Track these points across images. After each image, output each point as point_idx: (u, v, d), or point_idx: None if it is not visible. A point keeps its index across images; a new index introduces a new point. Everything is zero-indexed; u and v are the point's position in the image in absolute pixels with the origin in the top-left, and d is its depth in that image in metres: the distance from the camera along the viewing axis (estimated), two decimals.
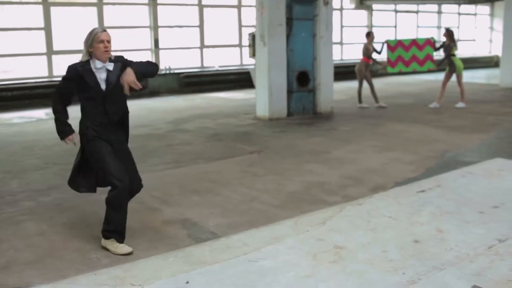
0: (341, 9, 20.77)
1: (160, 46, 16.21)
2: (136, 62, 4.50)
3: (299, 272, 3.90)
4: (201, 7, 17.13)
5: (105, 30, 4.45)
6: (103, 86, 4.38)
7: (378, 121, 10.42)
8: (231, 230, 4.76)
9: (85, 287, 3.76)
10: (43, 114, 12.11)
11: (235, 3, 17.98)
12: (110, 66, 4.41)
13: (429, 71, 13.67)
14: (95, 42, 4.35)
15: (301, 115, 11.17)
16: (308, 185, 6.16)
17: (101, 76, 4.38)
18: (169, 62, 16.25)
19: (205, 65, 17.32)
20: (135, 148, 8.33)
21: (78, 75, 4.35)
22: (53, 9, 14.42)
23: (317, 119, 10.81)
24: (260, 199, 5.67)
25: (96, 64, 4.37)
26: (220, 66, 17.40)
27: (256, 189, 6.00)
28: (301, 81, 11.17)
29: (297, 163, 7.10)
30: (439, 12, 24.82)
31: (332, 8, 11.66)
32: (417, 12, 23.85)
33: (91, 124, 4.39)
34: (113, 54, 4.52)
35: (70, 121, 4.49)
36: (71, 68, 4.40)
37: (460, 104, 12.03)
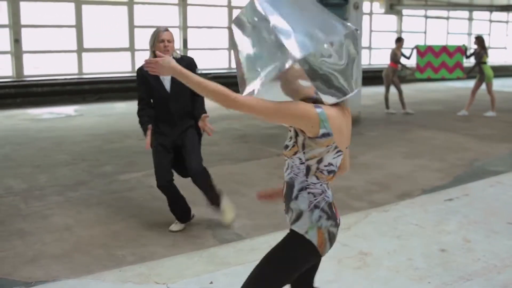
0: (370, 14, 20.66)
1: (189, 46, 16.30)
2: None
3: (323, 276, 3.87)
4: (230, 8, 17.19)
5: (167, 30, 4.54)
6: (167, 86, 4.55)
7: (406, 127, 10.33)
8: (256, 232, 4.77)
9: (110, 283, 3.80)
10: (72, 111, 12.27)
11: None
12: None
13: (458, 79, 13.51)
14: (157, 41, 4.46)
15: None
16: (334, 189, 6.05)
17: (166, 76, 4.48)
18: (197, 62, 16.30)
19: (232, 66, 17.37)
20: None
21: (143, 78, 4.57)
22: (84, 7, 14.62)
23: None
24: None
25: None
26: None
27: None
28: None
29: None
30: (470, 19, 24.53)
31: (362, 13, 11.60)
32: (447, 18, 23.60)
33: (155, 120, 4.66)
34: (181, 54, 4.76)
35: None
36: (138, 72, 4.63)
37: (490, 113, 11.86)
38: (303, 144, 2.21)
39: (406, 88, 13.60)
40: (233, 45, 2.34)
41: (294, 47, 2.09)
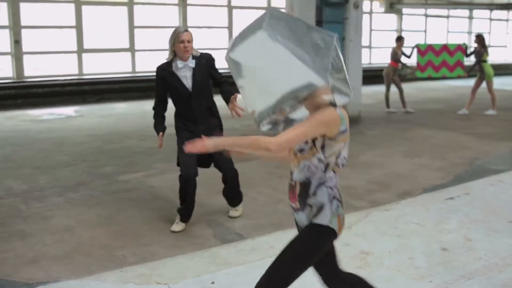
0: (370, 13, 20.64)
1: None
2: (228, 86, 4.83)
3: None
4: (230, 8, 17.18)
5: (186, 30, 4.63)
6: (189, 84, 4.67)
7: (406, 126, 10.33)
8: (257, 232, 4.77)
9: (111, 283, 3.80)
10: (73, 112, 12.27)
11: (265, 4, 17.99)
12: (192, 64, 4.65)
13: (459, 78, 13.50)
14: (177, 42, 4.56)
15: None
16: None
17: (186, 74, 4.66)
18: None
19: None
20: (163, 147, 8.38)
21: (162, 78, 4.70)
22: (84, 8, 14.61)
23: None
24: (286, 201, 5.60)
25: (178, 64, 4.63)
26: None
27: (282, 191, 5.98)
28: None
29: None
30: (470, 18, 24.51)
31: (362, 12, 11.59)
32: (447, 17, 23.58)
33: (179, 117, 4.86)
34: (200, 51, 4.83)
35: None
36: (157, 72, 4.74)
37: (491, 111, 11.85)
38: (323, 145, 2.45)
39: (406, 87, 13.60)
40: (237, 76, 2.51)
41: (319, 70, 2.31)
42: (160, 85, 4.78)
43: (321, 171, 2.48)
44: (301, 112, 2.49)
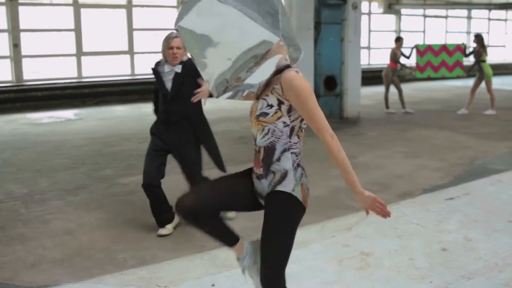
0: (369, 14, 20.66)
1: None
2: None
3: (324, 278, 3.89)
4: None
5: (176, 36, 4.62)
6: (168, 86, 4.66)
7: (406, 127, 10.33)
8: (257, 234, 4.73)
9: (111, 286, 3.80)
10: (72, 115, 12.27)
11: None
12: (179, 69, 4.64)
13: (458, 78, 13.51)
14: (167, 48, 4.60)
15: (327, 120, 11.08)
16: (334, 190, 6.13)
17: (170, 78, 4.65)
18: None
19: None
20: None
21: (154, 74, 4.74)
22: (83, 11, 14.62)
23: (344, 124, 10.75)
24: None
25: (165, 68, 4.66)
26: None
27: None
28: (328, 85, 11.14)
29: (322, 167, 7.06)
30: (469, 18, 24.54)
31: (361, 13, 11.61)
32: (446, 17, 23.60)
33: (156, 120, 4.85)
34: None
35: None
36: (152, 68, 4.77)
37: (490, 111, 11.86)
38: (289, 108, 2.43)
39: (405, 87, 13.61)
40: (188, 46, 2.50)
41: (271, 27, 2.32)
42: (155, 83, 4.84)
43: (286, 135, 2.46)
44: (258, 76, 2.42)
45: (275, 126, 2.45)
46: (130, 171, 7.02)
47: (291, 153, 2.49)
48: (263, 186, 2.55)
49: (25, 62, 14.01)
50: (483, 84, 11.89)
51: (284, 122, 2.44)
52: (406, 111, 12.16)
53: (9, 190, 6.23)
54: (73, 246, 4.55)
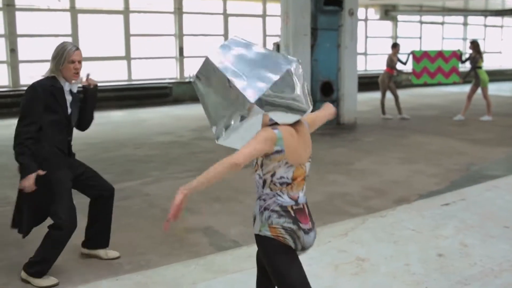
0: (365, 20, 20.72)
1: (185, 54, 16.32)
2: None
3: (320, 283, 3.88)
4: (226, 16, 17.22)
5: (78, 49, 4.05)
6: (69, 109, 4.03)
7: (402, 133, 10.35)
8: (253, 239, 4.75)
9: None
10: None
11: (260, 12, 18.04)
12: (75, 88, 4.11)
13: (455, 84, 13.55)
14: (67, 61, 3.94)
15: (324, 125, 11.03)
16: (331, 195, 6.13)
17: (68, 98, 4.03)
18: (193, 70, 16.33)
19: None
20: (158, 155, 8.42)
21: (50, 94, 3.89)
22: (80, 16, 14.63)
23: (340, 130, 10.77)
24: None
25: (65, 85, 4.00)
26: None
27: None
28: (325, 91, 11.15)
29: (319, 173, 7.07)
30: (465, 24, 24.63)
31: (357, 19, 11.65)
32: (442, 23, 23.69)
33: (50, 150, 3.96)
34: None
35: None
36: (38, 87, 3.89)
37: (486, 117, 11.89)
38: (262, 163, 2.63)
39: (402, 93, 13.64)
40: (200, 96, 2.75)
41: (250, 92, 2.51)
42: (40, 104, 3.85)
43: (261, 186, 2.68)
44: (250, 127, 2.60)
45: (256, 177, 2.71)
46: (126, 176, 7.01)
47: (260, 199, 2.68)
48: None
49: (22, 67, 14.00)
50: (479, 90, 11.92)
51: (259, 175, 2.67)
52: (403, 117, 12.18)
53: (6, 195, 6.22)
54: (68, 251, 4.52)
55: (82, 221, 5.30)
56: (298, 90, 2.61)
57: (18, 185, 3.91)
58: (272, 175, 2.63)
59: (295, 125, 2.66)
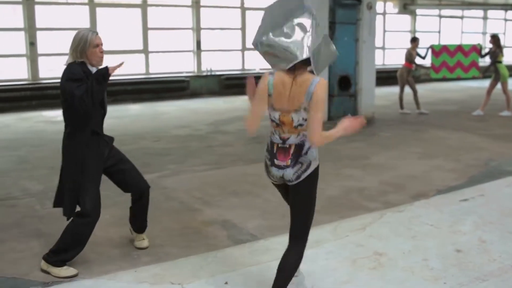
0: (384, 14, 20.57)
1: (202, 47, 16.34)
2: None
3: (338, 277, 3.88)
4: (243, 9, 17.20)
5: (97, 33, 4.13)
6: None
7: (420, 128, 10.28)
8: (271, 233, 4.77)
9: (126, 283, 3.83)
10: None
11: None
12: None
13: (474, 78, 13.42)
14: (91, 46, 4.02)
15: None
16: (348, 190, 6.12)
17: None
18: (211, 64, 16.36)
19: (246, 67, 17.38)
20: (175, 149, 8.45)
21: (86, 78, 3.95)
22: (98, 10, 14.70)
23: None
24: None
25: (93, 71, 4.03)
26: (261, 69, 17.43)
27: None
28: (343, 85, 11.10)
29: (336, 168, 7.06)
30: (485, 18, 24.34)
31: (376, 13, 11.56)
32: (462, 17, 23.43)
33: (92, 138, 4.08)
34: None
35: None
36: (78, 68, 3.97)
37: (506, 113, 11.77)
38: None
39: (420, 88, 13.54)
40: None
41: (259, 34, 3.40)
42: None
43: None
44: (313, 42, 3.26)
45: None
46: (144, 169, 7.02)
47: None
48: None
49: (41, 60, 14.12)
50: (499, 85, 11.80)
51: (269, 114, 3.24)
52: (421, 112, 12.10)
53: (25, 187, 6.29)
54: (88, 242, 4.56)
55: (101, 213, 5.36)
56: (302, 37, 3.14)
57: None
58: (269, 114, 3.22)
59: (291, 76, 3.12)
